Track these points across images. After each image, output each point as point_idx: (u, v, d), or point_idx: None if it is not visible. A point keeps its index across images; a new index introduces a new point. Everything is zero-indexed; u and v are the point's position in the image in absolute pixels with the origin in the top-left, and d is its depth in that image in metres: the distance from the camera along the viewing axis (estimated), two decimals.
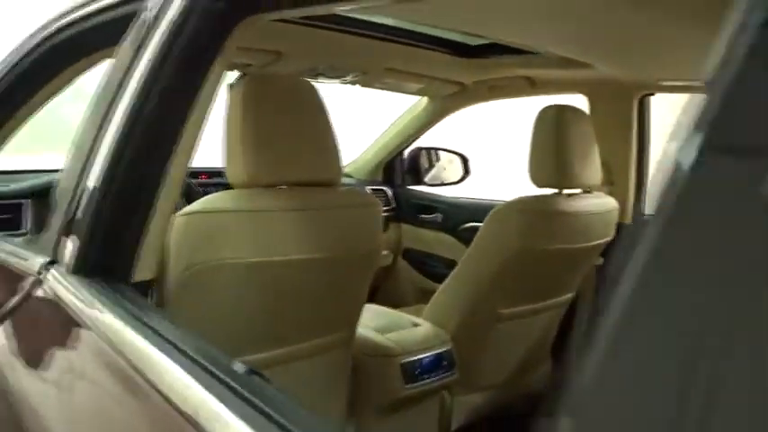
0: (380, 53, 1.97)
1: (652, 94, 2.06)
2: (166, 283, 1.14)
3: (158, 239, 1.03)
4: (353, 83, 2.18)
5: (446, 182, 3.02)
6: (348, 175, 2.90)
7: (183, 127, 1.00)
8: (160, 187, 0.98)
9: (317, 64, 1.93)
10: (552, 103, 1.79)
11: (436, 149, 3.03)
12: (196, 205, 1.18)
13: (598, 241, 1.88)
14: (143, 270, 1.00)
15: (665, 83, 1.95)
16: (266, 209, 1.21)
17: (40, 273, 0.95)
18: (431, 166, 3.06)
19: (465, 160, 2.99)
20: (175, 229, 1.14)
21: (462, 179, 2.99)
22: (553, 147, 1.74)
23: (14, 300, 0.86)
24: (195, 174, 2.25)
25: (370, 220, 1.40)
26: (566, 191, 1.80)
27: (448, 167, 3.07)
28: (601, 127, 1.92)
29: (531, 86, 2.20)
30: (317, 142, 1.29)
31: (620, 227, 1.96)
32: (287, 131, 1.25)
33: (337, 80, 2.09)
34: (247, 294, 1.22)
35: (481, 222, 2.39)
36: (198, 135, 1.04)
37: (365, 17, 1.78)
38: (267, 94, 1.25)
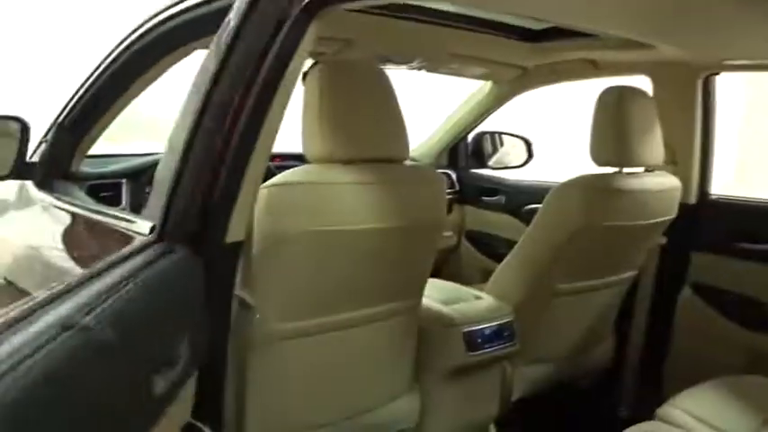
0: (444, 39, 2.05)
1: (717, 74, 2.06)
2: (253, 248, 1.27)
3: (248, 207, 1.16)
4: (420, 68, 2.27)
5: (509, 165, 3.06)
6: (414, 160, 2.99)
7: (269, 110, 1.12)
8: (250, 162, 1.11)
9: (385, 50, 2.04)
10: (613, 85, 1.84)
11: (500, 134, 3.08)
12: (279, 178, 1.31)
13: (659, 219, 1.91)
14: (235, 232, 1.13)
15: (729, 62, 1.95)
16: (341, 182, 1.33)
17: (147, 234, 1.09)
18: (494, 150, 3.12)
19: (528, 144, 3.03)
20: (260, 199, 1.27)
21: (526, 163, 3.03)
22: (614, 126, 1.79)
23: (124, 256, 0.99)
24: (271, 157, 2.39)
25: (434, 194, 1.50)
26: (626, 170, 1.84)
27: (511, 151, 3.12)
28: (664, 108, 1.95)
29: (594, 69, 2.23)
30: (386, 122, 1.40)
31: (682, 206, 1.99)
32: (359, 112, 1.36)
33: (404, 66, 2.19)
34: (326, 260, 1.34)
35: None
36: (280, 118, 1.15)
37: (430, 4, 1.86)
38: (340, 78, 1.36)
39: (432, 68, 2.31)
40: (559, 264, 1.85)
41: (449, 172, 2.95)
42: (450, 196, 2.85)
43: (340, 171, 1.33)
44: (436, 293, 1.84)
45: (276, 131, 1.17)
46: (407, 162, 1.48)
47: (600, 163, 1.84)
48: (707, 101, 2.09)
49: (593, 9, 1.57)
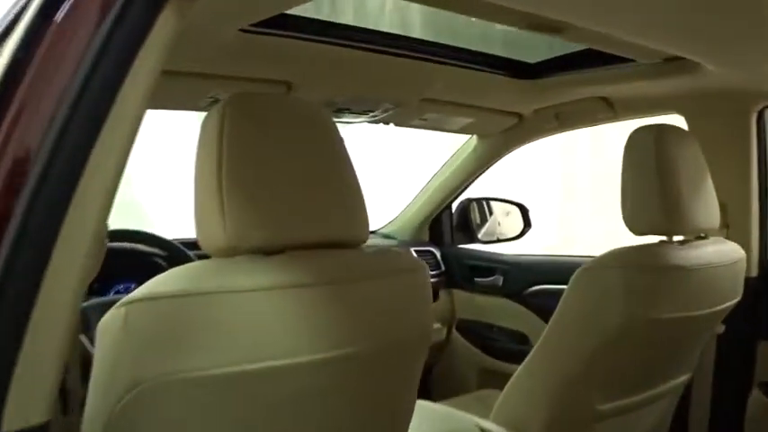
0: (416, 78, 1.56)
1: None
2: (86, 421, 0.71)
3: (54, 351, 0.61)
4: (385, 121, 1.77)
5: (503, 237, 2.58)
6: (389, 236, 2.48)
7: (91, 155, 0.59)
8: (53, 248, 0.57)
9: (337, 95, 1.54)
10: (646, 124, 1.35)
11: (488, 200, 2.59)
12: (144, 288, 0.76)
13: (726, 303, 1.39)
14: (23, 411, 0.57)
15: None
16: (257, 287, 0.77)
17: None
18: (484, 219, 2.63)
19: (524, 210, 2.54)
20: (106, 328, 0.72)
21: (522, 233, 2.54)
22: (655, 180, 1.29)
23: None
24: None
25: (414, 292, 0.95)
26: (675, 237, 1.33)
27: (504, 220, 2.64)
28: (707, 154, 1.46)
29: (610, 109, 1.75)
30: (330, 185, 0.87)
31: (747, 282, 1.47)
32: (287, 172, 0.83)
33: (364, 117, 1.69)
34: (222, 421, 0.77)
35: (552, 285, 1.91)
36: (121, 166, 0.63)
37: (394, 31, 1.39)
38: (256, 119, 0.84)
39: (401, 120, 1.81)
40: (598, 375, 1.31)
41: (432, 249, 2.45)
42: (435, 280, 2.34)
43: (255, 268, 0.79)
44: (424, 427, 1.28)
45: (113, 191, 0.64)
46: (370, 242, 0.95)
47: (639, 230, 1.33)
48: (762, 141, 1.60)
49: (618, 9, 1.10)
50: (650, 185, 1.29)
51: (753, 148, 1.58)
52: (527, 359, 1.39)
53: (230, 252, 0.80)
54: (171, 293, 0.73)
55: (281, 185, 0.82)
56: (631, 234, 1.36)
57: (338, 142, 0.90)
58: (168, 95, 1.41)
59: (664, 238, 1.33)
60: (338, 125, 0.94)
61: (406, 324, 0.94)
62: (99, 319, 0.82)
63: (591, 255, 2.25)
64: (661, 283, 1.26)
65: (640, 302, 1.25)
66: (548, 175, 5.51)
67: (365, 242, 0.92)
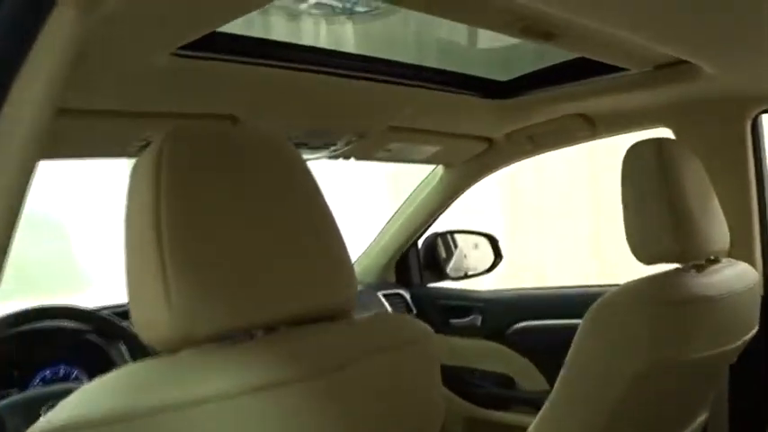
0: (382, 103, 1.38)
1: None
2: None
3: None
4: (346, 155, 1.57)
5: (472, 272, 2.40)
6: None
7: None
8: None
9: (292, 128, 1.33)
10: (644, 139, 1.20)
11: (454, 233, 2.41)
12: (64, 411, 0.53)
13: (750, 333, 1.24)
14: None
15: None
16: (221, 394, 0.55)
17: None
18: (451, 254, 2.44)
19: (494, 241, 2.37)
20: None
21: (494, 266, 2.37)
22: (662, 201, 1.13)
23: None
24: None
25: (420, 367, 0.76)
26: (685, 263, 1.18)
27: (471, 254, 2.46)
28: None
29: (590, 126, 1.60)
30: (306, 240, 0.67)
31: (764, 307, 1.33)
32: (249, 227, 0.63)
33: (323, 152, 1.49)
34: None
35: (538, 321, 1.72)
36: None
37: (356, 51, 1.21)
38: (204, 160, 0.64)
39: (364, 153, 1.62)
40: (620, 426, 1.13)
41: (400, 291, 2.25)
42: None
43: (215, 366, 0.57)
44: None
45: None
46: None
47: (650, 259, 1.17)
48: (757, 149, 1.48)
49: (627, 16, 0.95)
50: (657, 207, 1.13)
51: (749, 158, 1.46)
52: (540, 415, 1.19)
53: (180, 343, 0.58)
54: (100, 418, 0.51)
55: (244, 246, 0.61)
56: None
57: (310, 181, 0.70)
58: (90, 141, 1.18)
59: (676, 264, 1.17)
60: None
61: (413, 407, 0.74)
62: (17, 425, 0.60)
63: (577, 284, 2.12)
64: (690, 319, 1.09)
65: (669, 342, 1.08)
66: (491, 202, 5.41)
67: (352, 309, 0.72)
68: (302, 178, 0.69)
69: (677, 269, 1.17)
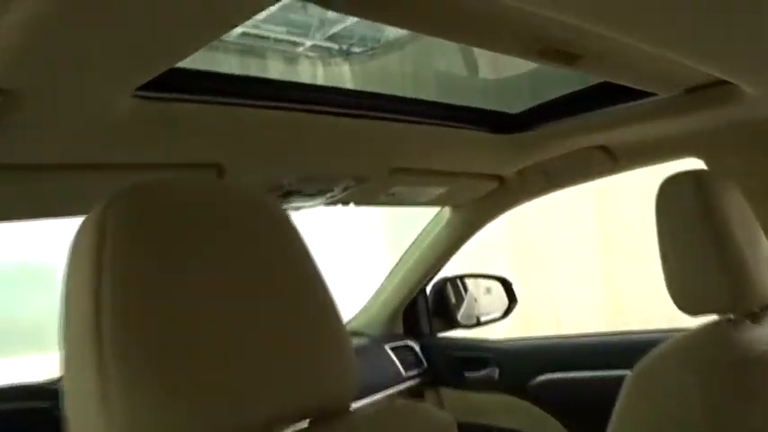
0: (385, 143, 1.25)
1: None
2: None
3: None
4: (345, 201, 1.43)
5: (485, 318, 2.23)
6: (357, 332, 2.10)
7: None
8: None
9: (285, 175, 1.19)
10: (679, 171, 1.06)
11: (464, 277, 2.26)
12: None
13: None
14: None
15: None
16: None
17: None
18: (461, 300, 2.28)
19: (507, 285, 2.22)
20: None
21: (508, 311, 2.21)
22: (707, 242, 0.98)
23: None
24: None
25: None
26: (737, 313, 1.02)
27: (483, 299, 2.30)
28: None
29: (610, 159, 1.46)
30: (293, 321, 0.53)
31: None
32: (220, 313, 0.49)
33: (319, 199, 1.35)
34: None
35: (563, 372, 1.70)
36: None
37: (353, 87, 1.09)
38: (161, 225, 0.50)
39: (365, 198, 1.48)
40: None
41: (409, 343, 2.09)
42: (417, 380, 1.97)
43: None
44: None
45: None
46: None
47: (696, 310, 1.02)
48: None
49: (660, 30, 0.82)
50: (702, 250, 0.98)
51: None
52: None
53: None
54: None
55: (214, 338, 0.47)
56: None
57: (299, 249, 0.56)
58: (49, 199, 1.03)
59: (730, 316, 1.02)
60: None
61: None
62: None
63: (602, 331, 1.96)
64: (750, 381, 0.93)
65: (726, 411, 0.92)
66: (494, 240, 5.26)
67: (350, 401, 0.57)
68: (290, 247, 0.55)
69: (729, 320, 1.01)
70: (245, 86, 1.05)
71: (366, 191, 1.37)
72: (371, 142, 1.23)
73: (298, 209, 1.37)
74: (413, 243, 2.04)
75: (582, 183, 1.62)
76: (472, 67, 1.55)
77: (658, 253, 1.05)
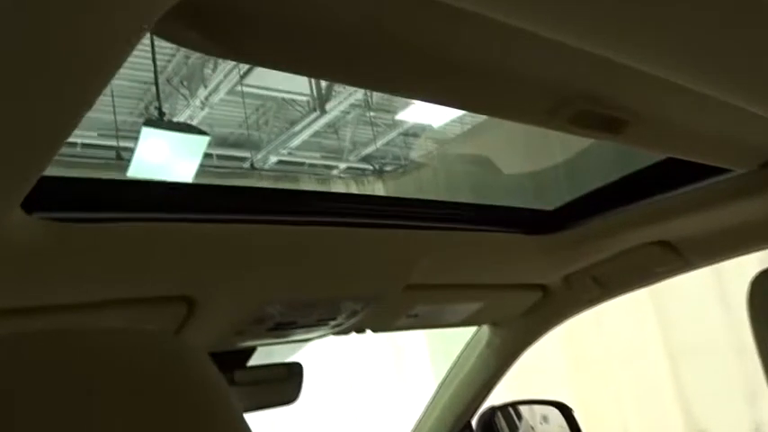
0: (398, 256, 1.03)
1: None
2: None
3: None
4: (357, 328, 1.19)
5: None
6: None
7: None
8: None
9: (271, 303, 0.97)
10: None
11: (515, 404, 1.95)
12: None
13: None
14: None
15: None
16: None
17: None
18: (514, 430, 1.97)
19: (566, 411, 1.90)
20: None
21: None
22: None
23: None
24: None
25: None
26: None
27: (540, 429, 1.99)
28: None
29: (675, 257, 1.21)
30: None
31: None
32: None
33: (322, 330, 1.11)
34: None
35: None
36: None
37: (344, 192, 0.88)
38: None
39: (380, 323, 1.23)
40: None
41: None
42: None
43: None
44: None
45: None
46: None
47: None
48: None
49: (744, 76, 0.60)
50: None
51: None
52: None
53: None
54: None
55: None
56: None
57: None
58: None
59: None
60: None
61: None
62: None
63: None
64: None
65: None
66: (549, 354, 4.85)
67: None
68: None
69: None
70: (215, 197, 0.86)
71: (380, 315, 1.14)
72: (380, 255, 1.02)
73: (299, 342, 1.14)
74: (452, 368, 1.77)
75: (641, 287, 1.35)
76: (500, 165, 1.35)
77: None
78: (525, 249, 1.19)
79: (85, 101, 0.44)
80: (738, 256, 1.18)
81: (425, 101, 0.61)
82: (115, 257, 0.76)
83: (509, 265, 1.25)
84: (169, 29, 0.45)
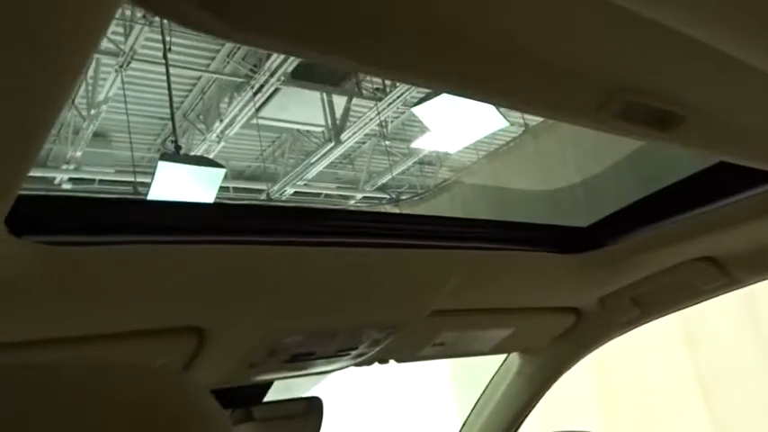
0: (423, 279, 0.96)
1: None
2: None
3: None
4: (381, 359, 1.12)
5: None
6: None
7: None
8: None
9: (286, 334, 0.90)
10: None
11: None
12: None
13: None
14: None
15: None
16: None
17: None
18: None
19: None
20: None
21: None
22: None
23: None
24: None
25: None
26: None
27: None
28: None
29: (721, 274, 1.12)
30: None
31: None
32: None
33: (342, 361, 1.03)
34: None
35: None
36: None
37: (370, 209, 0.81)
38: None
39: (405, 352, 1.15)
40: None
41: None
42: None
43: None
44: None
45: None
46: None
47: None
48: None
49: None
50: None
51: None
52: None
53: None
54: None
55: None
56: None
57: None
58: None
59: None
60: None
61: None
62: None
63: None
64: None
65: None
66: (576, 385, 4.68)
67: None
68: None
69: None
70: (225, 217, 0.80)
71: (404, 343, 1.06)
72: (404, 278, 0.94)
73: (319, 375, 1.06)
74: (481, 398, 1.67)
75: (683, 308, 1.26)
76: (531, 181, 1.27)
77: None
78: (558, 270, 1.11)
79: (63, 87, 0.38)
80: None
81: (460, 94, 0.54)
82: (117, 284, 0.69)
83: (541, 287, 1.17)
84: (180, 11, 0.39)
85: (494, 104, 0.74)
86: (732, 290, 1.15)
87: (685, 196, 1.00)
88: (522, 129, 6.33)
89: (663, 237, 1.06)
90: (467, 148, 6.35)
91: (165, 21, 4.33)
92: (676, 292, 1.19)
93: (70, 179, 5.87)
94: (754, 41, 0.45)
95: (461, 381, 4.75)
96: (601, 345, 1.42)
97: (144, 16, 4.30)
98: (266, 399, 1.12)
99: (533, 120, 6.32)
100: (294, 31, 0.41)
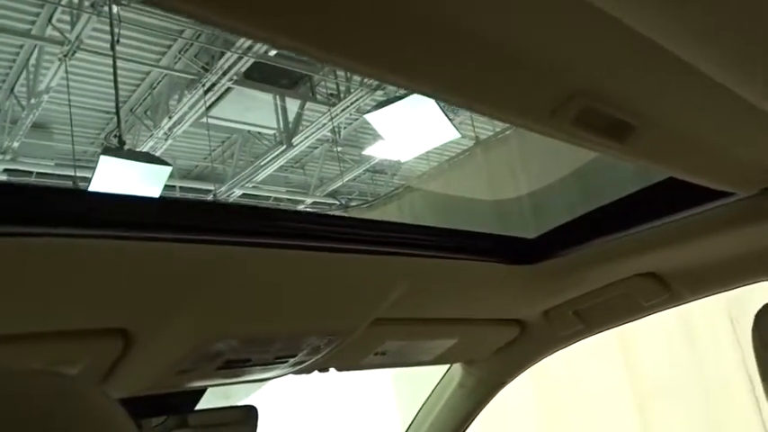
0: (365, 286, 0.93)
1: None
2: None
3: None
4: (320, 367, 1.08)
5: None
6: None
7: None
8: None
9: (220, 338, 0.85)
10: None
11: None
12: None
13: None
14: None
15: None
16: None
17: None
18: None
19: None
20: None
21: None
22: None
23: None
24: None
25: None
26: None
27: None
28: None
29: (663, 290, 1.12)
30: None
31: None
32: None
33: (280, 368, 0.99)
34: None
35: None
36: None
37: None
38: None
39: (345, 361, 1.12)
40: None
41: None
42: None
43: None
44: None
45: None
46: None
47: None
48: None
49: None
50: None
51: None
52: None
53: None
54: None
55: None
56: None
57: None
58: None
59: None
60: None
61: None
62: None
63: None
64: None
65: None
66: (515, 395, 4.73)
67: None
68: None
69: None
70: (155, 212, 0.75)
71: (345, 352, 1.02)
72: (346, 284, 0.91)
73: (255, 382, 1.02)
74: (422, 408, 1.64)
75: (625, 323, 1.27)
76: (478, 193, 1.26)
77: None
78: (504, 280, 1.10)
79: None
80: (731, 288, 1.11)
81: (418, 90, 0.51)
82: (32, 279, 0.64)
83: (486, 298, 1.16)
84: None
85: (438, 98, 0.72)
86: (673, 306, 1.16)
87: (632, 212, 1.00)
88: (474, 141, 6.40)
89: (609, 251, 1.06)
90: (418, 157, 6.38)
91: (115, 11, 4.19)
92: (619, 308, 1.20)
93: (5, 170, 5.63)
94: (715, 48, 0.43)
95: (403, 383, 4.74)
96: (543, 358, 1.41)
97: (92, 5, 4.16)
98: (203, 406, 1.08)
99: (485, 132, 6.40)
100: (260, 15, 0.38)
